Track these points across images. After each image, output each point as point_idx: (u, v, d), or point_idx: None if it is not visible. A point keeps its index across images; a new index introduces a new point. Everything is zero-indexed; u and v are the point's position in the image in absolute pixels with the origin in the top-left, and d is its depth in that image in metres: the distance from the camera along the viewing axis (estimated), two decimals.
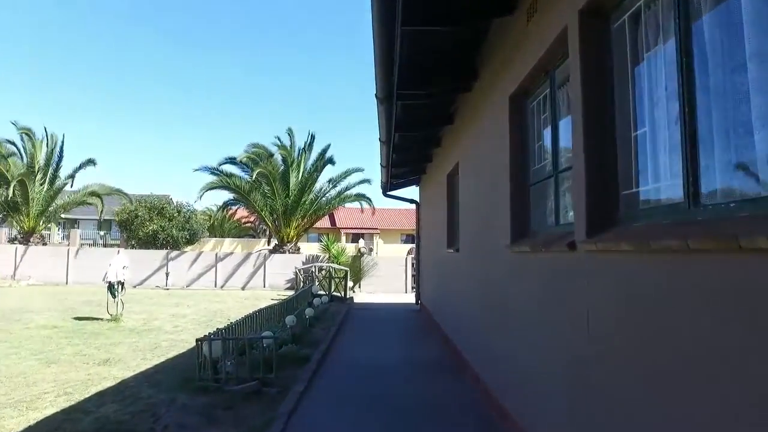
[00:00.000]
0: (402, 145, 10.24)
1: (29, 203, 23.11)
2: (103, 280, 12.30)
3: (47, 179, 23.67)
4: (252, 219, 39.49)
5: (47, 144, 23.64)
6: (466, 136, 7.25)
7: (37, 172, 23.23)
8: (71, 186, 24.37)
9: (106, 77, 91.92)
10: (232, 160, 21.88)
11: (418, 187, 16.15)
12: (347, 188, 23.58)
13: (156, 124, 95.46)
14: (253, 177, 20.58)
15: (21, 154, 23.35)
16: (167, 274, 21.80)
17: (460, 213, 7.76)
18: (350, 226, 48.07)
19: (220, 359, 6.48)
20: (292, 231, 23.13)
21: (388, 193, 15.72)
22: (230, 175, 21.44)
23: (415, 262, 22.03)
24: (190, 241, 25.77)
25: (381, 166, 12.23)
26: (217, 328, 7.30)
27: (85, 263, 22.08)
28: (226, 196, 23.62)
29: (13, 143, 23.05)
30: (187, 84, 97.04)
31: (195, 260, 22.11)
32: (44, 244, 24.47)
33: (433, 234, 12.10)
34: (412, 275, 21.77)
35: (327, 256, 21.71)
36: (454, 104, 8.07)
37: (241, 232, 41.70)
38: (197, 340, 6.55)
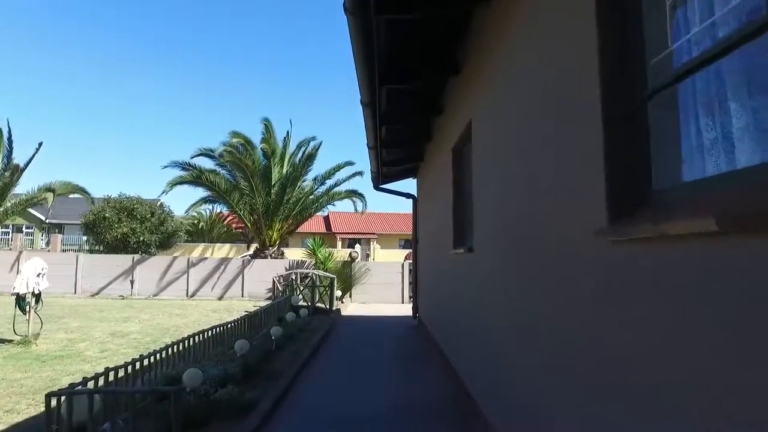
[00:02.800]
0: (393, 113, 7.77)
1: None
2: (12, 292, 9.78)
3: None
4: (242, 224, 37.11)
5: None
6: (488, 75, 4.78)
7: None
8: (15, 179, 21.16)
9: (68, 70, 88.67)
10: (208, 153, 19.39)
11: (415, 180, 13.68)
12: (337, 184, 21.10)
13: (134, 125, 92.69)
14: (218, 168, 18.04)
15: None
16: (132, 282, 19.27)
17: (476, 197, 5.27)
18: (346, 230, 45.63)
19: (91, 424, 3.98)
20: (274, 233, 20.60)
21: (381, 186, 13.25)
22: (202, 170, 18.91)
23: (412, 267, 19.56)
24: (165, 246, 23.23)
25: (368, 148, 9.76)
26: (99, 372, 4.79)
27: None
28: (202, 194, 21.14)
29: None
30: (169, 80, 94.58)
31: (167, 267, 19.59)
32: None
33: (433, 233, 9.62)
34: (410, 283, 19.26)
35: (313, 261, 19.19)
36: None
37: (231, 236, 39.17)
38: (47, 396, 4.03)
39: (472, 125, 5.39)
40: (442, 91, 7.36)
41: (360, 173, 20.96)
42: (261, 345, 8.87)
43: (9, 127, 20.47)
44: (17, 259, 19.55)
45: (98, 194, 23.20)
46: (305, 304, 14.37)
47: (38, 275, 9.53)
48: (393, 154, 11.25)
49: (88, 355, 8.80)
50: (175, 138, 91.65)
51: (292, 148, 20.86)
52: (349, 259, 19.61)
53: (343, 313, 15.26)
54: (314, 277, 15.14)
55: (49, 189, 22.70)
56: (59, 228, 43.36)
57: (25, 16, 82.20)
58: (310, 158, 20.24)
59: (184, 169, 18.81)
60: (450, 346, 7.12)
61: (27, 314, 9.63)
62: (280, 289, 15.36)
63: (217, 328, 8.12)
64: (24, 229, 44.46)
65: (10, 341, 9.60)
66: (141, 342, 10.01)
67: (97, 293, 19.17)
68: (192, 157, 19.17)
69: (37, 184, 23.08)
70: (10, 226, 44.17)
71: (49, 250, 34.43)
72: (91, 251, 23.47)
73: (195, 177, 18.49)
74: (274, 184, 19.71)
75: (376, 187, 13.14)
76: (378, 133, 8.27)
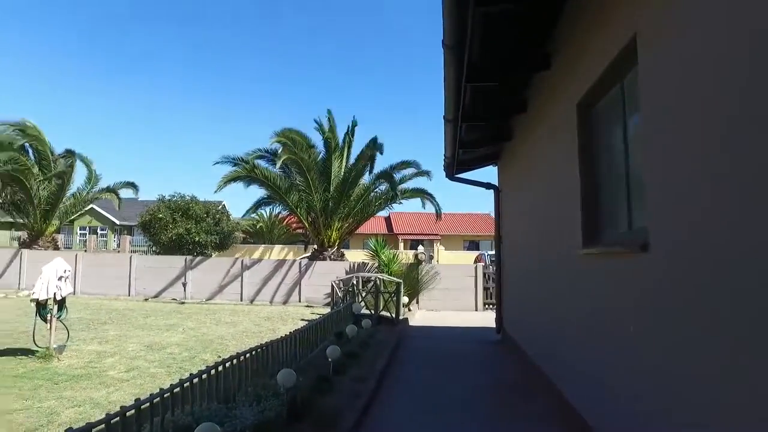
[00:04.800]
0: (486, 62, 5.73)
1: (32, 201, 20.25)
2: (30, 298, 8.49)
3: (52, 174, 20.73)
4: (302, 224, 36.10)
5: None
6: None
7: (33, 166, 20.26)
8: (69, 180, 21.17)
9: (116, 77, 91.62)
10: (263, 154, 18.06)
11: (496, 167, 11.53)
12: (402, 181, 19.14)
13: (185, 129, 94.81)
14: (278, 165, 16.52)
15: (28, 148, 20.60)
16: (185, 285, 18.18)
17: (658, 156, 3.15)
18: (408, 231, 43.74)
19: None
20: (333, 233, 18.93)
21: (456, 175, 11.23)
22: (256, 165, 17.52)
23: (488, 271, 17.33)
24: (222, 247, 22.20)
25: (445, 122, 7.78)
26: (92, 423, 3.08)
27: (95, 271, 18.92)
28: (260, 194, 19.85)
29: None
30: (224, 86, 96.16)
31: (221, 269, 18.38)
32: (56, 248, 21.58)
33: (531, 228, 7.48)
34: (484, 288, 17.03)
35: (376, 264, 17.37)
36: None
37: (291, 238, 38.26)
38: None
39: (639, 46, 3.27)
40: (556, 18, 5.22)
41: (426, 173, 18.99)
42: (314, 368, 7.12)
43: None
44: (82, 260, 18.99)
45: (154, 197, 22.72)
46: (368, 312, 12.55)
47: (60, 278, 8.19)
48: (473, 133, 9.21)
49: (110, 376, 7.33)
50: (234, 141, 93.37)
51: (354, 143, 19.17)
52: (415, 262, 17.64)
53: (411, 323, 13.31)
54: (378, 281, 13.28)
55: (108, 189, 22.40)
56: (129, 230, 44.30)
57: (72, 20, 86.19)
58: (372, 155, 18.43)
59: (236, 164, 17.52)
60: (573, 385, 4.98)
61: (48, 323, 8.33)
62: (339, 294, 13.61)
63: (259, 350, 6.36)
64: (98, 231, 46.00)
65: (36, 353, 8.37)
66: (176, 359, 8.50)
67: (153, 297, 18.23)
68: (246, 154, 17.91)
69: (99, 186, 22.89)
70: (87, 228, 46.00)
71: (119, 251, 34.82)
72: (147, 252, 22.86)
73: (248, 171, 17.12)
74: (334, 179, 18.04)
75: (450, 176, 11.12)
76: (461, 95, 6.27)
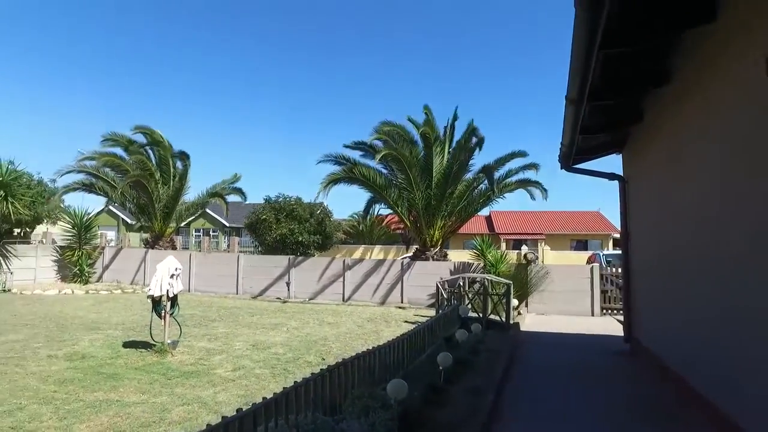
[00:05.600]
0: (619, 27, 4.79)
1: (154, 204, 21.74)
2: (147, 294, 8.73)
3: (171, 179, 22.19)
4: (402, 224, 35.86)
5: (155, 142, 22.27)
6: None
7: (156, 171, 21.78)
8: (185, 184, 22.65)
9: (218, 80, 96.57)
10: (361, 146, 17.85)
11: (620, 155, 10.23)
12: (508, 175, 18.02)
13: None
14: (377, 159, 16.12)
15: (150, 155, 22.22)
16: (288, 284, 18.47)
17: None
18: (510, 230, 41.97)
19: None
20: (436, 232, 18.25)
21: (573, 165, 10.11)
22: (356, 163, 17.34)
23: (606, 272, 15.73)
24: (324, 247, 22.44)
25: (567, 102, 6.82)
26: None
27: (206, 270, 19.87)
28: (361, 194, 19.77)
29: (131, 144, 21.91)
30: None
31: (323, 269, 18.47)
32: (174, 248, 23.04)
33: (681, 220, 6.31)
34: (602, 292, 15.49)
35: (481, 264, 16.46)
36: None
37: (391, 238, 38.20)
38: None
39: None
40: None
41: (535, 165, 17.68)
42: (423, 375, 6.53)
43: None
44: (192, 260, 20.09)
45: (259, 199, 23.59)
46: (475, 315, 11.76)
47: (172, 276, 8.35)
48: (597, 116, 8.10)
49: (217, 375, 7.29)
50: (336, 141, 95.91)
51: (456, 137, 18.34)
52: (524, 262, 16.48)
53: (522, 327, 12.31)
54: (485, 282, 12.42)
55: (216, 193, 23.57)
56: (237, 231, 46.92)
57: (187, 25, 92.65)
58: (474, 148, 17.53)
59: (338, 163, 17.44)
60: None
61: (162, 319, 8.55)
62: (444, 296, 12.93)
63: (366, 358, 5.87)
64: (211, 233, 49.37)
65: (153, 347, 8.63)
66: (280, 359, 8.33)
67: (258, 295, 18.75)
68: (345, 146, 17.80)
69: (206, 189, 24.24)
70: (201, 230, 49.74)
71: (228, 251, 36.89)
72: (254, 252, 23.70)
73: (348, 171, 16.97)
74: (435, 176, 17.39)
75: (567, 167, 9.99)
76: (591, 66, 5.34)
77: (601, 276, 15.59)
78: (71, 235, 21.31)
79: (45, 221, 27.39)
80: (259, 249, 22.74)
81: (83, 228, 21.10)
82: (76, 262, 20.57)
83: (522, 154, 17.76)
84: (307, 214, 21.74)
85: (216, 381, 6.96)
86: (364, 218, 20.89)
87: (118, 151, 21.85)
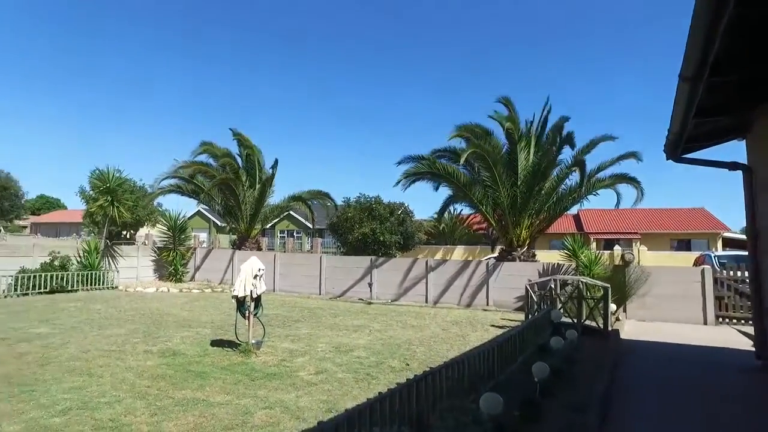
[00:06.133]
0: None
1: (240, 207, 22.50)
2: (231, 294, 8.78)
3: (257, 182, 22.87)
4: (485, 225, 34.83)
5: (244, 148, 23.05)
6: None
7: (243, 174, 22.52)
8: (271, 187, 23.38)
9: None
10: (442, 152, 17.41)
11: (743, 141, 8.97)
12: (600, 169, 16.72)
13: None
14: (462, 159, 15.52)
15: (237, 159, 23.05)
16: (370, 285, 18.30)
17: None
18: (601, 230, 39.45)
19: None
20: (523, 232, 17.30)
21: (683, 156, 9.05)
22: (437, 161, 16.82)
23: (721, 276, 14.05)
24: (405, 247, 22.12)
25: (680, 80, 5.98)
26: None
27: (290, 271, 20.20)
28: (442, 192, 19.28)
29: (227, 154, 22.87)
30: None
31: (405, 269, 18.13)
32: (259, 248, 23.72)
33: None
34: (717, 297, 13.86)
35: (572, 265, 15.35)
36: None
37: (473, 239, 37.29)
38: None
39: None
40: None
41: (633, 154, 16.23)
42: (515, 387, 5.98)
43: None
44: (277, 260, 20.52)
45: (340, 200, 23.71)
46: (568, 320, 10.87)
47: (255, 277, 8.33)
48: (715, 94, 7.06)
49: (300, 377, 7.14)
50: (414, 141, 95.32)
51: (541, 132, 17.34)
52: (620, 263, 15.15)
53: (622, 335, 11.22)
54: (580, 285, 11.46)
55: (298, 198, 24.03)
56: (320, 232, 47.94)
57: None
58: (563, 142, 16.43)
59: (418, 162, 17.07)
60: None
61: (246, 319, 8.57)
62: (534, 299, 12.09)
63: (454, 367, 5.40)
64: (294, 234, 50.86)
65: (238, 346, 8.68)
66: (363, 363, 8.04)
67: (340, 296, 18.78)
68: (429, 154, 17.39)
69: (289, 193, 24.81)
70: (285, 231, 51.44)
71: (311, 252, 37.68)
72: (336, 252, 23.88)
73: (429, 167, 16.51)
74: (521, 172, 16.48)
75: (675, 157, 8.95)
76: (716, 32, 4.55)
77: (715, 280, 13.94)
78: (167, 237, 22.74)
79: (145, 224, 29.34)
80: (341, 249, 22.87)
81: (177, 230, 22.39)
82: (171, 261, 21.89)
83: (610, 137, 16.37)
84: (387, 213, 21.53)
85: (298, 384, 6.78)
86: (439, 218, 20.24)
87: (203, 158, 22.94)
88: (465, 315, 14.67)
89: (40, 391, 6.24)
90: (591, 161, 16.73)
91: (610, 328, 10.81)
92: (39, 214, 75.00)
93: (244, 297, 8.36)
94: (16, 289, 16.65)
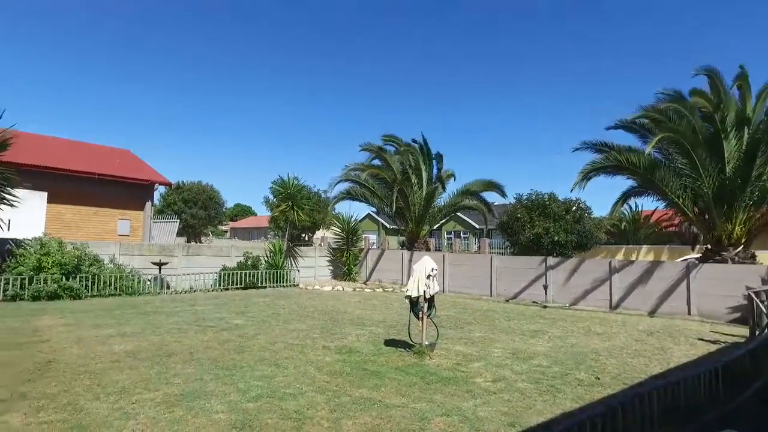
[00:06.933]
0: None
1: (410, 208, 22.66)
2: (404, 295, 8.51)
3: (424, 183, 22.83)
4: (676, 222, 30.49)
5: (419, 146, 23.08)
6: None
7: (411, 175, 22.65)
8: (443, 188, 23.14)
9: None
10: (627, 125, 15.22)
11: None
12: None
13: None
14: (650, 146, 13.38)
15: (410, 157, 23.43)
16: (545, 287, 16.93)
17: None
18: None
19: None
20: (736, 227, 14.37)
21: None
22: (620, 150, 14.76)
23: None
24: (582, 247, 20.11)
25: None
26: None
27: (459, 271, 19.72)
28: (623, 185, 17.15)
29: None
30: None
31: (584, 270, 16.40)
32: (428, 249, 23.63)
33: None
34: None
35: None
36: None
37: (660, 238, 32.97)
38: None
39: None
40: None
41: None
42: (750, 421, 4.71)
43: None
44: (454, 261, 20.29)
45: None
46: None
47: (428, 277, 8.00)
48: None
49: (476, 384, 6.59)
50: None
51: (753, 102, 14.34)
52: None
53: None
54: None
55: (468, 191, 23.46)
56: (487, 233, 46.85)
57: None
58: None
59: (597, 150, 15.27)
60: None
61: (420, 320, 8.29)
62: (764, 309, 9.82)
63: (668, 389, 4.39)
64: (461, 235, 50.46)
65: (411, 347, 8.47)
66: (545, 373, 7.18)
67: (512, 298, 17.75)
68: (608, 128, 15.34)
69: (458, 187, 24.32)
70: (452, 232, 51.32)
71: (478, 252, 36.89)
72: (505, 253, 22.79)
73: (611, 160, 14.62)
74: (730, 156, 13.75)
75: None
76: None
77: None
78: (340, 239, 24.15)
79: (321, 227, 31.55)
80: (511, 250, 21.71)
81: (350, 232, 23.57)
82: (344, 262, 23.07)
83: None
84: (562, 210, 19.85)
85: (476, 392, 6.22)
86: (615, 210, 17.88)
87: (377, 161, 23.69)
88: (660, 324, 12.66)
89: (238, 376, 6.71)
90: None
91: None
92: (236, 220, 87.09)
93: (418, 297, 8.09)
94: (219, 284, 18.92)
